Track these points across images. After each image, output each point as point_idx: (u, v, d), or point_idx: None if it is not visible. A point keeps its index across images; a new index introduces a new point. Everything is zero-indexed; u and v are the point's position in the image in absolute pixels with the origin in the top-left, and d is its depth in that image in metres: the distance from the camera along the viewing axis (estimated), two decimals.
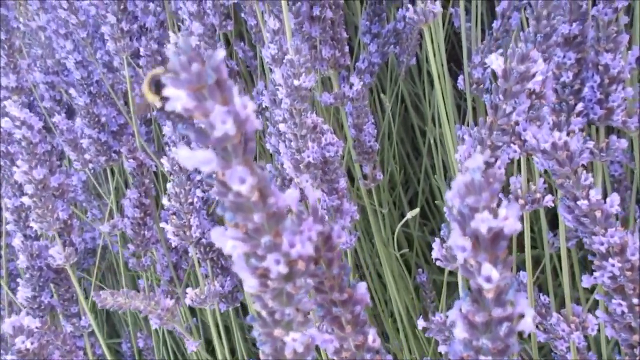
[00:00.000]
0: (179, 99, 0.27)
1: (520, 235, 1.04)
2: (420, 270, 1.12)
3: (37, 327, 0.68)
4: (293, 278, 0.33)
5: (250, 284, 0.33)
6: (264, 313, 0.35)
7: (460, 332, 0.34)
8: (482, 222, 0.30)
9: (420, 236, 1.30)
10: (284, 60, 0.64)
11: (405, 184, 1.45)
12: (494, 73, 0.51)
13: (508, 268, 0.33)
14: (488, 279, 0.32)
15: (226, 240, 0.32)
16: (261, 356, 0.37)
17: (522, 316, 0.34)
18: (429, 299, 1.13)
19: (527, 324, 0.33)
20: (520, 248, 1.09)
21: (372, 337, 0.40)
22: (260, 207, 0.31)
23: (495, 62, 0.46)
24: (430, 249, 1.47)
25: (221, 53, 0.27)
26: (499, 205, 0.31)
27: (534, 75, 0.46)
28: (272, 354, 0.36)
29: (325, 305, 0.38)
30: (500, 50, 0.87)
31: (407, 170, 1.41)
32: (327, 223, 0.36)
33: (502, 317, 0.33)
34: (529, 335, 0.75)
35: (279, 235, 0.32)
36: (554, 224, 1.15)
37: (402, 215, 1.35)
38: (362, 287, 0.39)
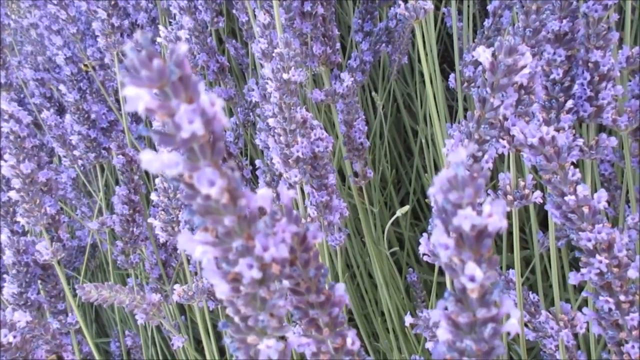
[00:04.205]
0: (140, 98, 0.25)
1: (511, 235, 1.04)
2: (410, 269, 1.11)
3: (27, 322, 0.67)
4: (267, 282, 0.32)
5: (222, 289, 0.31)
6: (236, 319, 0.33)
7: (443, 333, 0.33)
8: (465, 219, 0.29)
9: (411, 236, 1.29)
10: (274, 54, 0.64)
11: (397, 184, 1.45)
12: (484, 70, 0.50)
13: (493, 267, 0.31)
14: (472, 278, 0.31)
15: (195, 245, 0.30)
16: None
17: (508, 317, 0.33)
18: (420, 298, 1.13)
19: (513, 325, 0.32)
20: (511, 248, 1.09)
21: (351, 339, 0.38)
22: (231, 210, 0.29)
23: (483, 54, 0.46)
24: None
25: (183, 47, 0.25)
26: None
27: (521, 68, 0.45)
28: None
29: (301, 308, 0.37)
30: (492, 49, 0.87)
31: (399, 170, 1.40)
32: (302, 223, 0.35)
33: (486, 318, 0.32)
34: (518, 335, 0.74)
35: (251, 239, 0.30)
36: (544, 225, 1.15)
37: (394, 215, 1.35)
38: (340, 288, 0.37)
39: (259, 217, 0.32)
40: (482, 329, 0.32)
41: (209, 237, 0.30)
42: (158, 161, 0.26)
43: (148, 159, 0.26)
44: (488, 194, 0.61)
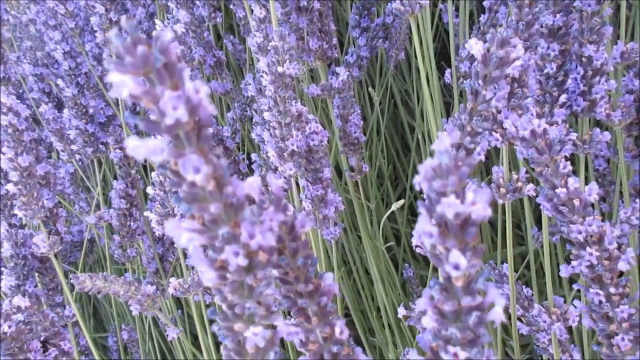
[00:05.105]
0: (124, 84, 0.25)
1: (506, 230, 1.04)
2: (407, 265, 1.12)
3: (25, 307, 0.68)
4: (254, 270, 0.32)
5: (208, 276, 0.31)
6: (224, 306, 0.33)
7: (429, 321, 0.33)
8: (449, 207, 0.29)
9: (408, 232, 1.30)
10: (269, 47, 0.64)
11: (394, 180, 1.45)
12: (477, 62, 0.50)
13: (478, 256, 0.31)
14: (456, 266, 0.31)
15: (181, 232, 0.30)
16: (223, 351, 0.36)
17: (493, 305, 0.33)
18: (416, 294, 1.13)
19: (497, 314, 0.32)
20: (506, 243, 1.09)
21: (340, 328, 0.38)
22: (217, 197, 0.29)
23: (475, 46, 0.46)
24: None
25: (169, 34, 0.25)
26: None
27: (513, 61, 0.46)
28: (234, 348, 0.35)
29: (290, 297, 0.37)
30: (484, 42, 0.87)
31: (397, 166, 1.41)
32: (290, 212, 0.35)
33: (471, 306, 0.32)
34: (513, 331, 0.75)
35: (237, 226, 0.31)
36: (541, 221, 1.16)
37: (391, 212, 1.35)
38: (328, 277, 0.37)
39: (247, 205, 0.32)
40: (467, 317, 0.32)
41: (195, 225, 0.30)
42: (144, 147, 0.27)
43: (134, 145, 0.26)
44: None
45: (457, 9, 1.08)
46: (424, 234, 0.31)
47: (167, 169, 0.29)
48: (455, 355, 0.33)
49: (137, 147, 0.27)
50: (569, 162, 0.50)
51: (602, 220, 0.52)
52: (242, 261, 0.31)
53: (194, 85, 0.26)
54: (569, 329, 0.80)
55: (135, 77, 0.25)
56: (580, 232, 0.50)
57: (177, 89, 0.26)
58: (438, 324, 0.33)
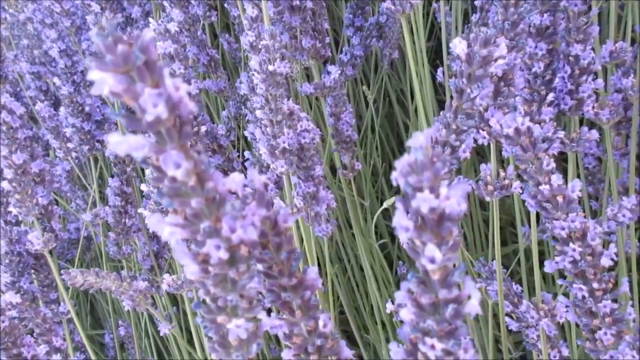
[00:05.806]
0: (104, 82, 0.26)
1: (501, 228, 1.05)
2: (400, 262, 1.12)
3: (17, 303, 0.69)
4: (236, 264, 0.33)
5: (191, 270, 0.32)
6: (207, 299, 0.34)
7: (406, 313, 0.34)
8: (424, 202, 0.30)
9: None
10: (260, 46, 0.65)
11: (390, 179, 1.46)
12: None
13: (454, 250, 0.32)
14: (432, 260, 0.31)
15: (164, 226, 0.31)
16: (207, 343, 0.36)
17: (469, 298, 0.34)
18: None
19: (473, 306, 0.33)
20: (502, 241, 1.09)
21: (323, 322, 0.39)
22: (198, 192, 0.30)
23: (459, 45, 0.47)
24: None
25: (149, 33, 0.26)
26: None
27: (496, 59, 0.46)
28: (218, 340, 0.35)
29: (274, 291, 0.38)
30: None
31: (392, 165, 1.42)
32: (272, 207, 0.36)
33: (448, 299, 0.33)
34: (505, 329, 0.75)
35: (219, 221, 0.31)
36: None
37: (386, 210, 1.36)
38: (312, 272, 0.38)
39: (230, 200, 0.33)
40: (444, 310, 0.33)
41: (178, 219, 0.31)
42: (125, 143, 0.27)
43: (116, 141, 0.27)
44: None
45: (450, 8, 1.09)
46: (400, 228, 0.31)
47: (149, 164, 0.30)
48: (433, 346, 0.33)
49: (118, 143, 0.27)
50: (552, 160, 0.51)
51: (592, 218, 0.53)
52: (224, 254, 0.32)
53: (174, 83, 0.27)
54: (561, 326, 0.81)
55: (115, 75, 0.26)
56: (563, 228, 0.51)
57: (158, 86, 0.27)
58: (416, 316, 0.34)
